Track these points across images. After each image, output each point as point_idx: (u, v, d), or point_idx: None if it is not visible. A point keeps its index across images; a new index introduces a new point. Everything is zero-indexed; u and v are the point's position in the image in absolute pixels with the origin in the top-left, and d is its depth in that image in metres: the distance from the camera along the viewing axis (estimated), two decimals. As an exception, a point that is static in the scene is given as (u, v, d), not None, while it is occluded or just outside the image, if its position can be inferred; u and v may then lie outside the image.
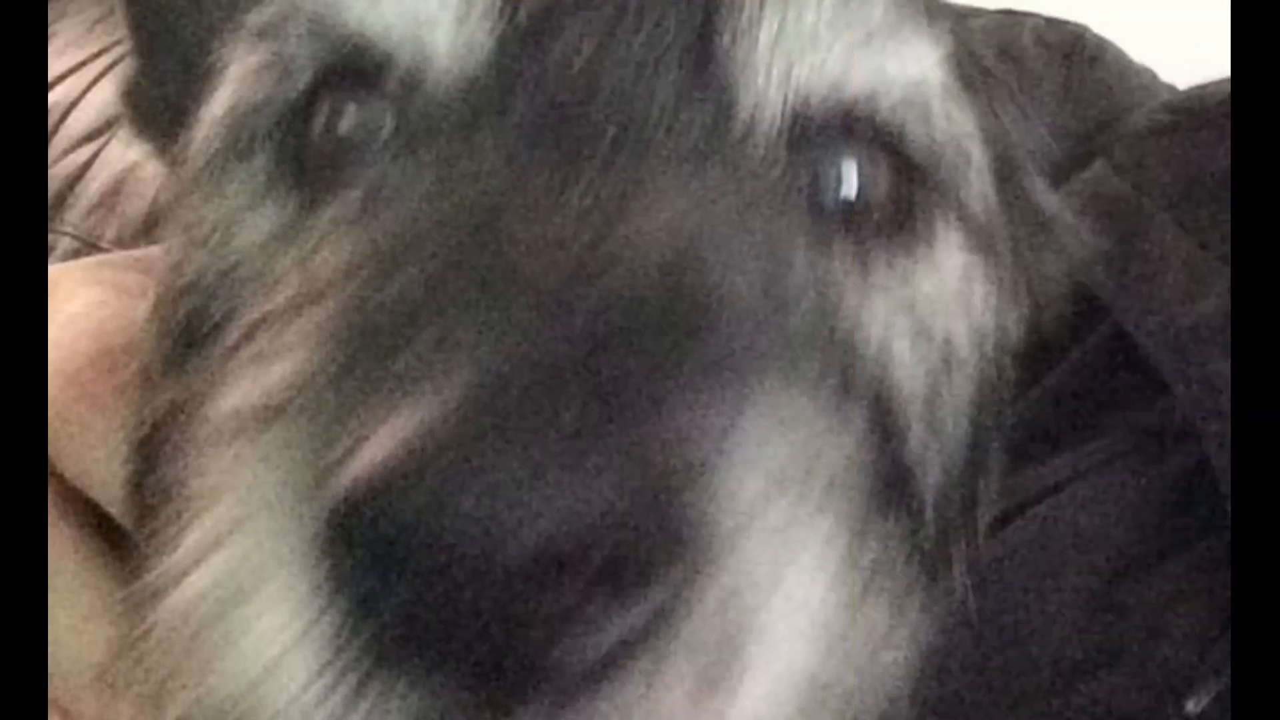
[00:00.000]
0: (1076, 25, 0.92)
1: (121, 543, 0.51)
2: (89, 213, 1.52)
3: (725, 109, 0.46)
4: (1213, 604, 0.67)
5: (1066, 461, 0.75)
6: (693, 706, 0.32)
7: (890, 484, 0.47)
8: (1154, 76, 0.91)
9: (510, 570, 0.31)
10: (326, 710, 0.33)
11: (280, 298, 0.43)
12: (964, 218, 0.52)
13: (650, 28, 0.46)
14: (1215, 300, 0.71)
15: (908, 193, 0.50)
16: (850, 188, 0.49)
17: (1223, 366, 0.68)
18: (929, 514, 0.50)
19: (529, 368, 0.33)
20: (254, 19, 0.53)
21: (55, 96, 1.59)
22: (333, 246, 0.43)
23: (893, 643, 0.44)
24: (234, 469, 0.36)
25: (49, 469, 0.52)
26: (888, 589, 0.43)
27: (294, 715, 0.33)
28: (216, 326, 0.48)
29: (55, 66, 1.62)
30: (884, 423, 0.48)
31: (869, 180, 0.49)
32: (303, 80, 0.50)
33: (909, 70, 0.50)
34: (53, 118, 1.58)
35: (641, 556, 0.32)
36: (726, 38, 0.47)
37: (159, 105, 0.63)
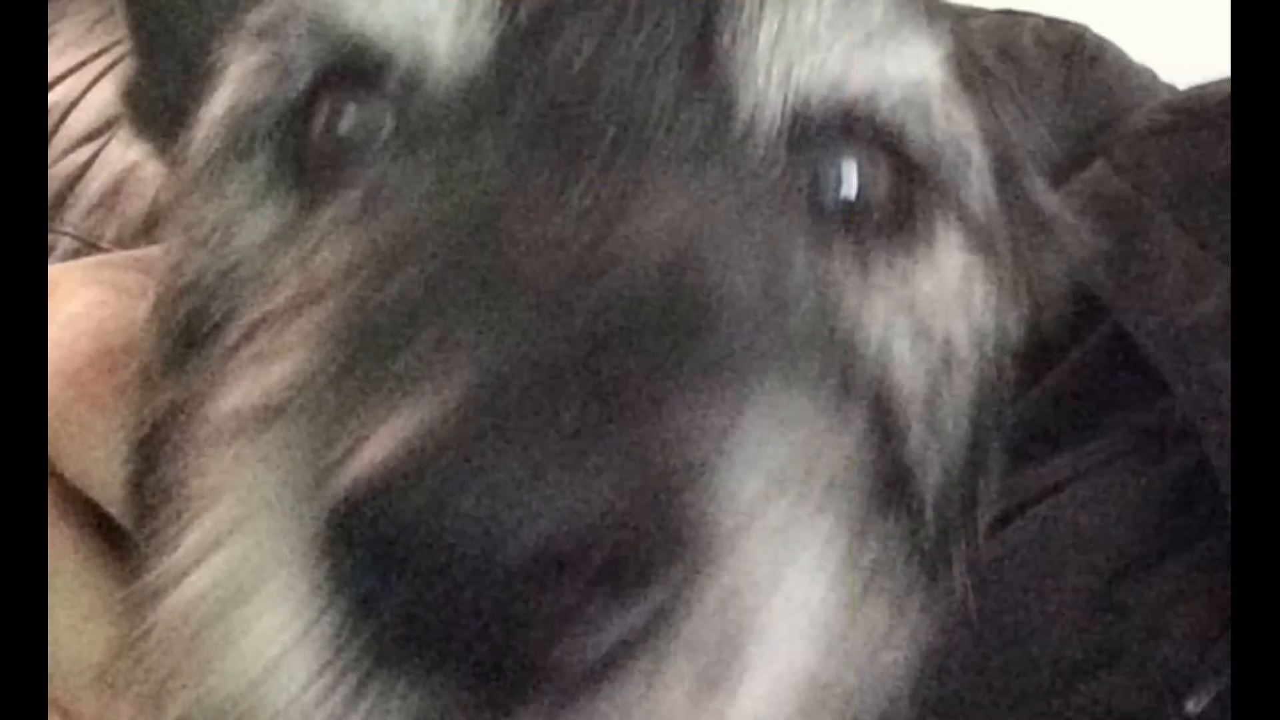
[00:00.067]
0: (1076, 25, 0.92)
1: (121, 543, 0.51)
2: (89, 213, 1.52)
3: (725, 109, 0.46)
4: (1213, 604, 0.67)
5: (1066, 461, 0.75)
6: (693, 706, 0.32)
7: (890, 484, 0.47)
8: (1154, 76, 0.91)
9: (510, 570, 0.31)
10: (326, 710, 0.33)
11: (280, 298, 0.43)
12: (964, 218, 0.52)
13: (650, 28, 0.46)
14: (1215, 300, 0.71)
15: (908, 193, 0.50)
16: (850, 188, 0.49)
17: (1223, 366, 0.68)
18: (929, 514, 0.50)
19: (529, 368, 0.33)
20: (254, 19, 0.53)
21: (55, 96, 1.59)
22: (333, 246, 0.43)
23: (893, 643, 0.44)
24: (234, 469, 0.36)
25: (49, 469, 0.52)
26: (888, 589, 0.43)
27: (294, 715, 0.33)
28: (216, 326, 0.48)
29: (55, 66, 1.62)
30: (884, 423, 0.48)
31: (869, 180, 0.49)
32: (303, 80, 0.50)
33: (909, 70, 0.50)
34: (53, 118, 1.58)
35: (641, 556, 0.32)
36: (726, 38, 0.47)
37: (159, 105, 0.63)
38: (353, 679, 0.33)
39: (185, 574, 0.36)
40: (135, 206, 1.49)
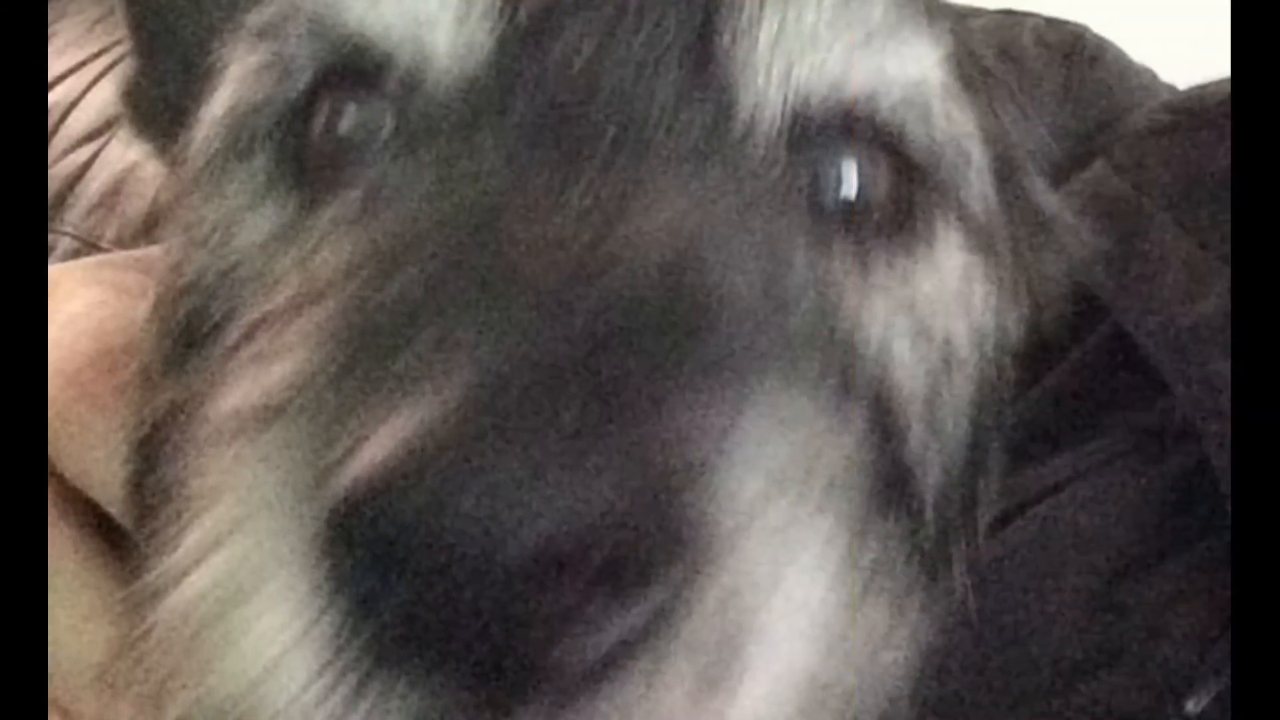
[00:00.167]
0: (1076, 25, 0.92)
1: (121, 543, 0.51)
2: (89, 213, 1.52)
3: (725, 109, 0.46)
4: (1213, 604, 0.67)
5: (1066, 461, 0.75)
6: (693, 706, 0.32)
7: (890, 484, 0.47)
8: (1154, 76, 0.91)
9: (510, 570, 0.31)
10: (326, 710, 0.33)
11: (280, 298, 0.43)
12: (964, 218, 0.52)
13: (650, 28, 0.46)
14: (1215, 300, 0.71)
15: (908, 193, 0.50)
16: (850, 188, 0.49)
17: (1223, 366, 0.68)
18: (929, 514, 0.50)
19: (529, 368, 0.33)
20: (254, 19, 0.53)
21: (55, 96, 1.59)
22: (333, 246, 0.43)
23: (893, 643, 0.44)
24: (234, 469, 0.36)
25: (49, 469, 0.52)
26: (888, 589, 0.43)
27: (294, 715, 0.33)
28: (216, 326, 0.48)
29: (55, 66, 1.62)
30: (884, 423, 0.48)
31: (869, 180, 0.49)
32: (303, 80, 0.50)
33: (909, 70, 0.50)
34: (53, 118, 1.58)
35: (641, 556, 0.32)
36: (726, 38, 0.47)
37: (159, 105, 0.63)
38: (353, 679, 0.33)
39: (185, 574, 0.36)
40: (135, 206, 1.49)
